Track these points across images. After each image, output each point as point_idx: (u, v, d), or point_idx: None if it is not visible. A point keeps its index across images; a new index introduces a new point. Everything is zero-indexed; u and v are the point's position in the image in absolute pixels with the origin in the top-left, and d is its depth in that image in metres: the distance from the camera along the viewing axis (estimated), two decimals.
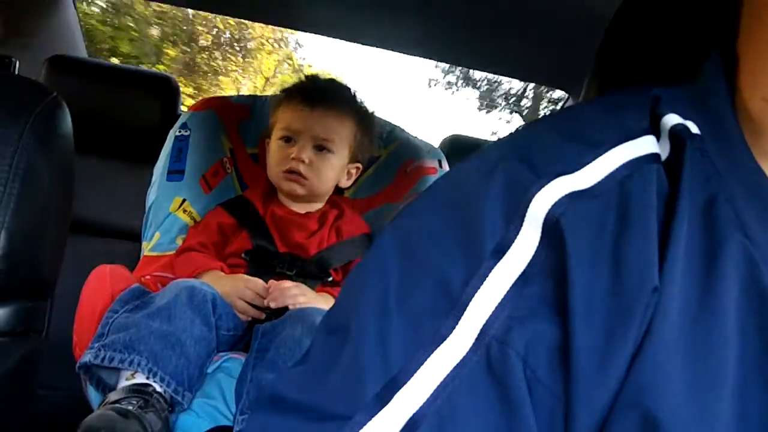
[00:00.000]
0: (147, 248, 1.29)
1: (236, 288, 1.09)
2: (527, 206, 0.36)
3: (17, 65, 1.62)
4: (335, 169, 1.26)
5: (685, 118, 0.40)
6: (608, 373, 0.33)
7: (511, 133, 0.43)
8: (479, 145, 2.00)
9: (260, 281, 1.11)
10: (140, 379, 0.87)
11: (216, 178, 1.35)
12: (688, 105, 0.41)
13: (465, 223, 0.37)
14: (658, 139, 0.40)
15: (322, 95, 1.24)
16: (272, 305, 1.08)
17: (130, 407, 0.79)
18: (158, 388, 0.86)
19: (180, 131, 1.35)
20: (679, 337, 0.33)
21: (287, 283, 1.11)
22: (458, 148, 1.94)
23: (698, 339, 0.34)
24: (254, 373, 0.92)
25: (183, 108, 1.79)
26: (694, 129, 0.39)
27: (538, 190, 0.36)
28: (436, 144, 1.58)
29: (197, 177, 1.33)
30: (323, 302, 1.10)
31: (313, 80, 1.31)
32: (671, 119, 0.39)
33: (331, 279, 1.21)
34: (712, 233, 0.36)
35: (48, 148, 0.69)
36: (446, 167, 1.49)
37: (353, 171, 1.31)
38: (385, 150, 1.47)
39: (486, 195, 0.37)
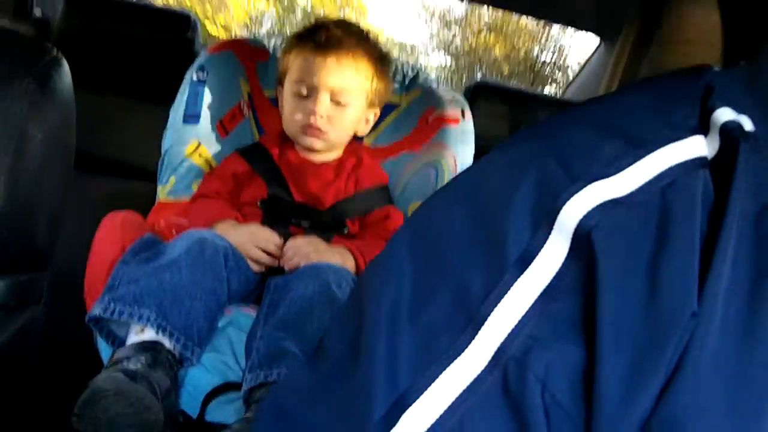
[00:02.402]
0: (162, 193, 1.27)
1: (252, 236, 1.07)
2: (557, 213, 0.33)
3: (34, 2, 1.57)
4: (353, 120, 1.23)
5: (740, 110, 0.35)
6: (635, 403, 0.30)
7: (545, 123, 0.39)
8: (506, 92, 1.92)
9: (275, 235, 1.09)
10: (149, 333, 0.86)
11: (233, 122, 1.32)
12: (743, 93, 0.36)
13: (488, 227, 0.34)
14: (706, 134, 0.35)
15: (334, 42, 1.18)
16: (286, 267, 1.06)
17: (138, 366, 0.79)
18: (167, 344, 0.86)
19: (197, 74, 1.30)
20: (718, 366, 0.30)
21: (300, 240, 1.09)
22: (483, 94, 1.85)
23: (741, 367, 0.31)
24: (264, 329, 0.91)
25: None
26: (748, 125, 0.35)
27: (571, 196, 0.33)
28: None
29: (214, 121, 1.29)
30: (338, 257, 1.08)
31: (323, 24, 1.23)
32: (723, 114, 0.35)
33: (347, 231, 1.19)
34: (764, 248, 0.32)
35: (44, 115, 0.66)
36: (469, 117, 1.43)
37: (371, 117, 1.29)
38: (406, 98, 1.41)
39: (513, 196, 0.34)
